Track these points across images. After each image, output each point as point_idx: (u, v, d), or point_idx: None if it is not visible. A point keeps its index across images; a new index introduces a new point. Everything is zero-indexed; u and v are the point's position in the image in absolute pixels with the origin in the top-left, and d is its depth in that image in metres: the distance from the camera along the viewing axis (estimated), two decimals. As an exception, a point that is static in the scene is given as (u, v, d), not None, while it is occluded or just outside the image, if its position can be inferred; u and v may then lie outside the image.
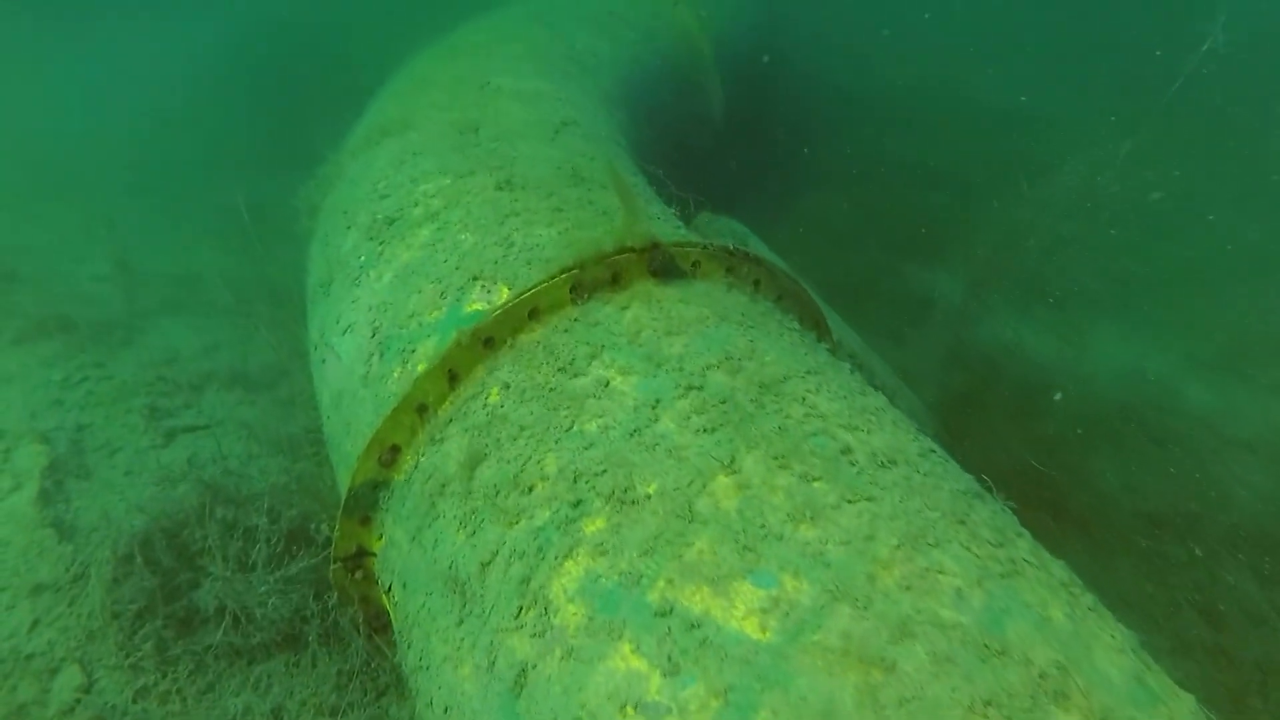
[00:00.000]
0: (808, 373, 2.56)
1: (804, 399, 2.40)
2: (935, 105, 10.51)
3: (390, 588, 2.65)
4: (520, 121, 4.06)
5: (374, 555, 2.77)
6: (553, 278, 2.68)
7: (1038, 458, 4.65)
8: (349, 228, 3.71)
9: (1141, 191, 5.89)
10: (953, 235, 7.77)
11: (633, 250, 2.78)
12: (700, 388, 2.38)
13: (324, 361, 3.42)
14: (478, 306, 2.84)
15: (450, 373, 2.64)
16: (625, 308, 2.70)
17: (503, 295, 2.84)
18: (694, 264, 2.93)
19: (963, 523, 2.11)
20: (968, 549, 2.03)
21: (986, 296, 6.82)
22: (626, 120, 5.40)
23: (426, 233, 3.31)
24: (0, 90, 10.28)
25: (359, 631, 2.74)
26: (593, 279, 2.74)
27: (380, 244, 3.42)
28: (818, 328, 3.39)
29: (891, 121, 9.98)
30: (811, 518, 2.01)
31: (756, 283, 3.09)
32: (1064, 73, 10.43)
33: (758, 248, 4.57)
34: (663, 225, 3.25)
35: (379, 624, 2.88)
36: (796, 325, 2.96)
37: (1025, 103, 10.15)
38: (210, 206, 7.54)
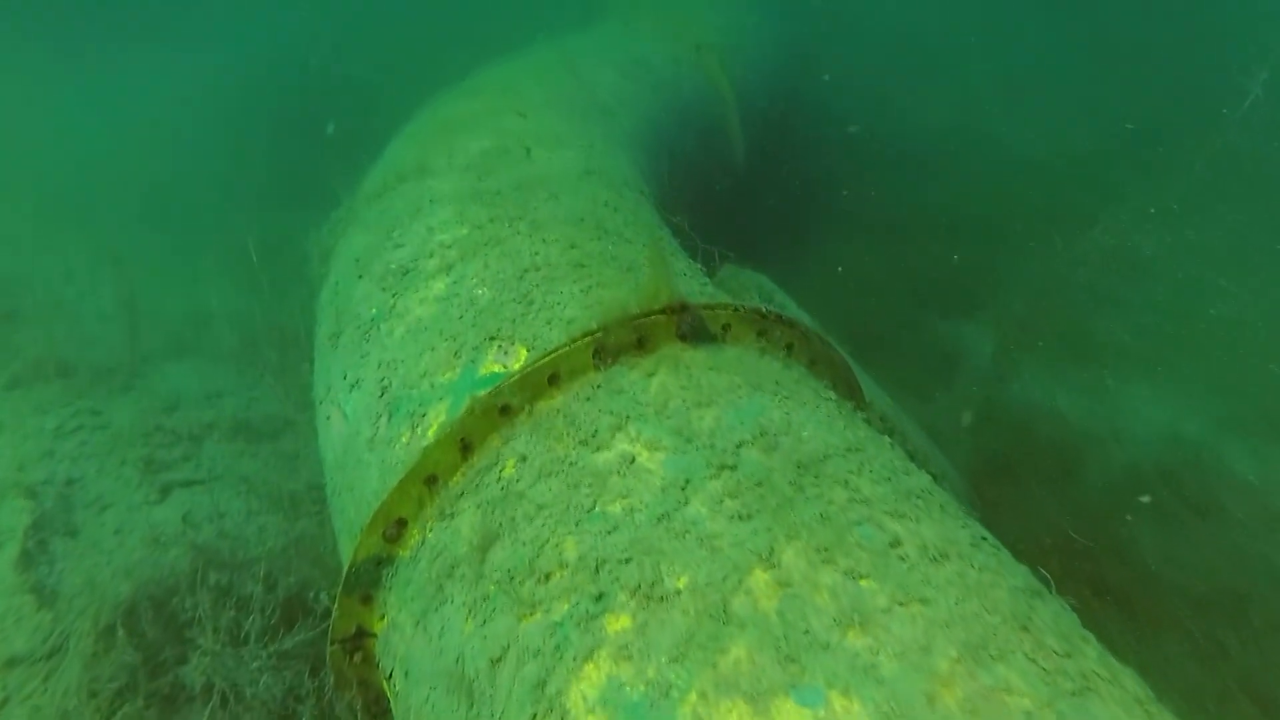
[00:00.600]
0: (849, 450, 2.37)
1: (846, 481, 2.20)
2: (963, 152, 10.36)
3: (391, 674, 2.44)
4: (542, 169, 3.91)
5: (375, 636, 2.57)
6: (574, 341, 2.50)
7: (1075, 527, 4.42)
8: (361, 276, 3.56)
9: (1177, 246, 5.70)
10: (981, 287, 7.59)
11: (660, 312, 2.60)
12: (734, 467, 2.19)
13: (329, 418, 3.25)
14: (494, 369, 2.66)
15: (463, 442, 2.45)
16: (652, 374, 2.52)
17: (521, 357, 2.66)
18: (724, 326, 2.75)
19: (1026, 629, 1.90)
20: (1034, 661, 1.82)
21: (1016, 353, 6.61)
22: (649, 167, 5.26)
23: (441, 286, 3.14)
24: (12, 116, 10.29)
25: (356, 719, 2.53)
26: (617, 343, 2.56)
27: (393, 295, 3.25)
28: (852, 394, 3.20)
29: (918, 168, 9.84)
30: (860, 623, 1.80)
31: (789, 346, 2.90)
32: (1100, 123, 10.30)
33: (785, 304, 4.39)
34: (690, 283, 3.07)
35: (378, 709, 2.67)
36: (832, 394, 2.76)
37: (1058, 152, 10.01)
38: (226, 239, 7.43)
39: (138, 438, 4.13)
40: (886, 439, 2.63)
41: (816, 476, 2.20)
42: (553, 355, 2.48)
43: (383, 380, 2.95)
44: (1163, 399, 6.13)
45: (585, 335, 2.51)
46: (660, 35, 7.30)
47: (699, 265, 4.08)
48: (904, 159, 10.02)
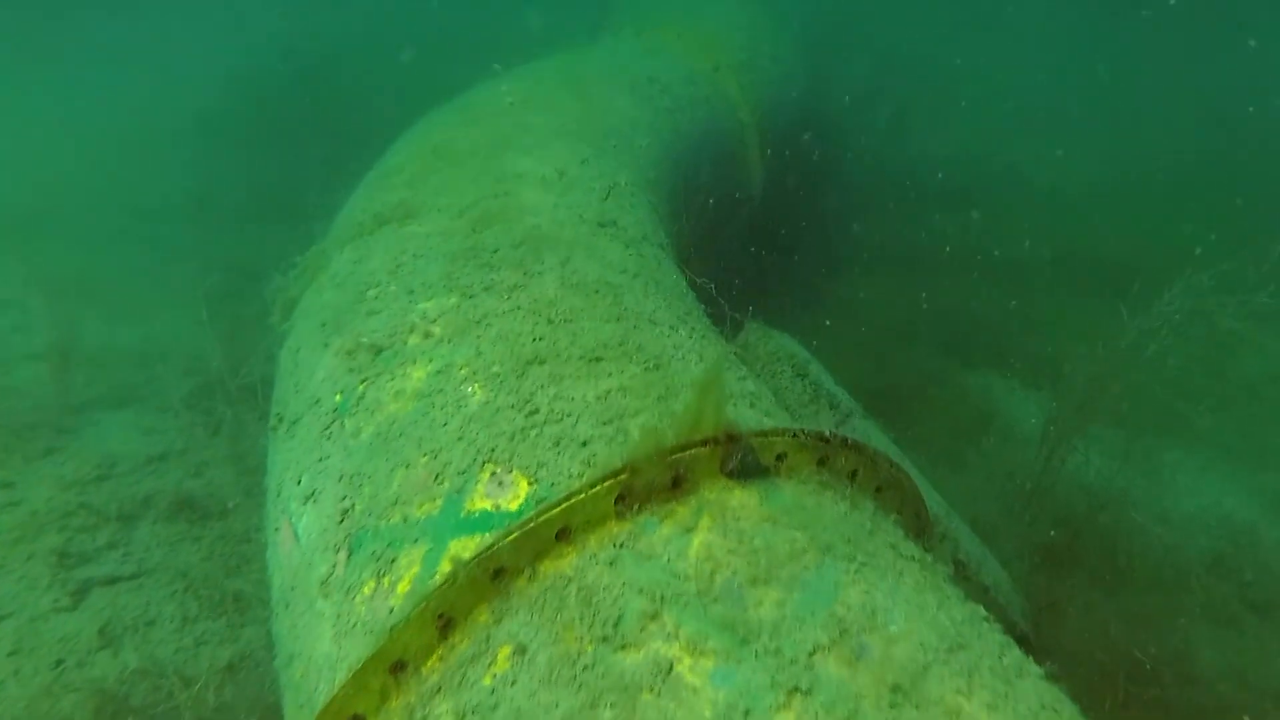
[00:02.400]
0: (950, 650, 1.81)
1: (959, 712, 1.64)
2: (993, 188, 9.81)
3: None
4: (547, 219, 3.33)
5: None
6: (593, 486, 1.92)
7: (1132, 634, 3.89)
8: (325, 346, 2.96)
9: (1223, 300, 5.18)
10: (1012, 337, 7.04)
11: (703, 444, 2.02)
12: (809, 691, 1.62)
13: (278, 530, 2.65)
14: (485, 505, 2.08)
15: (442, 618, 1.87)
16: (691, 529, 1.94)
17: (520, 492, 2.07)
18: (779, 456, 2.17)
19: None
20: None
21: (1052, 412, 6.06)
22: (666, 205, 4.69)
23: (422, 375, 2.55)
24: None
25: None
26: (647, 483, 1.97)
27: (362, 380, 2.66)
28: (921, 522, 2.63)
29: (944, 203, 9.29)
30: None
31: (853, 474, 2.33)
32: (1141, 164, 9.78)
33: (821, 379, 3.82)
34: (739, 394, 2.49)
35: None
36: (911, 545, 2.19)
37: (1095, 191, 9.48)
38: (196, 261, 6.82)
39: (54, 519, 3.51)
40: (984, 616, 2.08)
41: (918, 706, 1.63)
42: (564, 504, 1.89)
43: (344, 499, 2.36)
44: (1204, 467, 5.59)
45: (607, 477, 1.93)
46: (676, 52, 6.72)
47: (724, 330, 3.52)
48: (928, 191, 9.48)
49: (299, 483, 2.60)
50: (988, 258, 8.26)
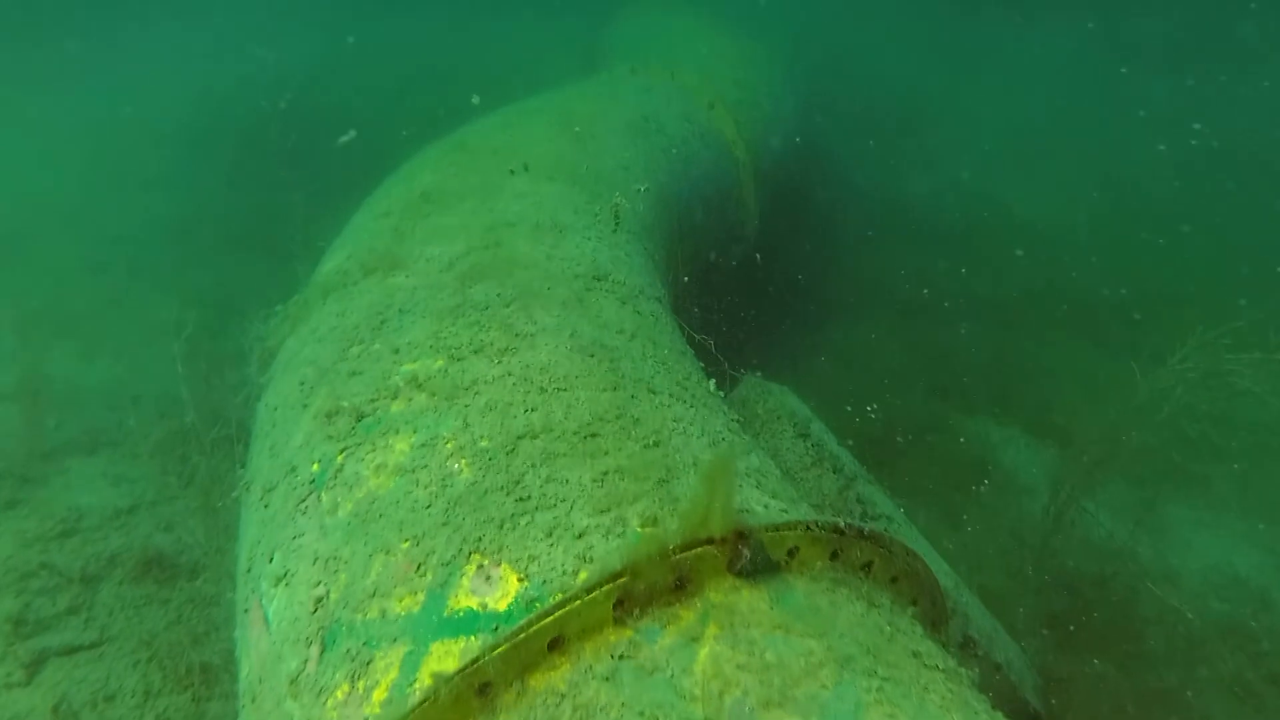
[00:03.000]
0: (981, 781, 1.65)
1: None
2: (983, 225, 9.73)
3: None
4: (540, 274, 3.17)
5: None
6: (590, 590, 1.75)
7: (1148, 714, 3.73)
8: (304, 407, 2.79)
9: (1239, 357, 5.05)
10: (1008, 382, 6.92)
11: (709, 541, 1.86)
12: (830, 840, 1.45)
13: (248, 611, 2.47)
14: (470, 603, 1.91)
15: (421, 737, 1.69)
16: (696, 639, 1.77)
17: (509, 589, 1.91)
18: (790, 550, 2.01)
19: None
20: None
21: (1051, 464, 5.95)
22: (660, 251, 4.55)
23: (406, 447, 2.38)
24: None
25: None
26: (648, 586, 1.81)
27: (342, 450, 2.49)
28: (935, 606, 2.47)
29: (939, 244, 9.19)
30: None
31: (868, 565, 2.17)
32: (1134, 201, 9.72)
33: (824, 439, 3.68)
34: (743, 472, 2.33)
35: None
36: (936, 656, 2.03)
37: (1100, 237, 9.39)
38: (171, 293, 6.61)
39: (12, 581, 3.30)
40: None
41: None
42: (559, 612, 1.73)
43: (318, 585, 2.18)
44: (1209, 523, 5.46)
45: (606, 580, 1.76)
46: (670, 89, 6.62)
47: (719, 388, 3.36)
48: (918, 231, 9.39)
49: (271, 560, 2.42)
50: (980, 299, 8.17)
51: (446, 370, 2.61)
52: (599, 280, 3.23)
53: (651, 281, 3.66)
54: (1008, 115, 12.08)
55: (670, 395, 2.61)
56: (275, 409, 2.98)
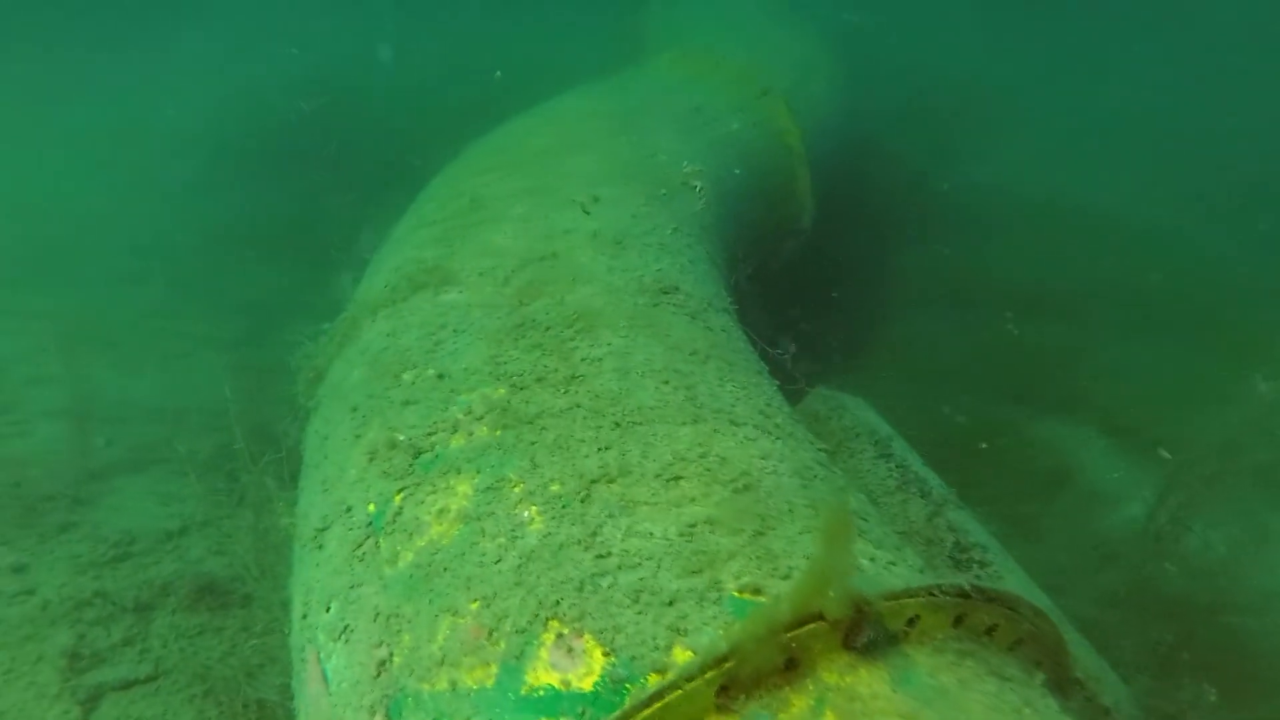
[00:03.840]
0: None
1: None
2: (1056, 217, 9.32)
3: None
4: (602, 288, 2.95)
5: None
6: (690, 678, 1.54)
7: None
8: (357, 438, 2.60)
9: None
10: (1079, 379, 6.60)
11: (823, 618, 1.64)
12: None
13: (305, 661, 2.29)
14: (550, 681, 1.71)
15: (502, 846, 1.49)
16: (812, 729, 1.55)
17: (594, 663, 1.70)
18: (911, 620, 1.78)
19: None
20: None
21: (1132, 470, 5.64)
22: (719, 253, 4.32)
23: (469, 489, 2.18)
24: None
25: None
26: (755, 668, 1.59)
27: (399, 489, 2.30)
28: (1060, 667, 2.23)
29: (1001, 233, 8.83)
30: None
31: (991, 629, 1.93)
32: (1200, 189, 9.23)
33: (905, 455, 3.43)
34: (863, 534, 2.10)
35: None
36: (1062, 713, 1.80)
37: (1171, 222, 8.97)
38: (225, 304, 6.48)
39: (66, 613, 3.17)
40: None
41: None
42: (657, 705, 1.51)
43: (380, 646, 1.99)
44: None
45: (708, 666, 1.54)
46: (719, 78, 6.36)
47: (783, 393, 3.13)
48: (976, 219, 9.03)
49: (328, 609, 2.23)
50: (1047, 292, 7.83)
51: (509, 401, 2.41)
52: (665, 293, 3.01)
53: (718, 290, 3.43)
54: (1071, 99, 11.58)
55: (754, 426, 2.38)
56: (326, 439, 2.80)
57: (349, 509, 2.40)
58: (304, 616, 2.37)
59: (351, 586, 2.19)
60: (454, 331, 2.81)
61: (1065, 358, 6.86)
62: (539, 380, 2.46)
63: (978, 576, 3.14)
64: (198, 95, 11.10)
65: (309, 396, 3.28)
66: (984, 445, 5.83)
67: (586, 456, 2.16)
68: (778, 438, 2.40)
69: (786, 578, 1.84)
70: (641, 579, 1.82)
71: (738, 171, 5.34)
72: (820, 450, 2.55)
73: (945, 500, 3.24)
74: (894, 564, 1.98)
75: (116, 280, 6.95)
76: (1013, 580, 3.19)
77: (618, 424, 2.26)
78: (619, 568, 1.85)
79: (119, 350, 5.54)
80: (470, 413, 2.41)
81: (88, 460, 4.20)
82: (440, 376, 2.61)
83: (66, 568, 3.43)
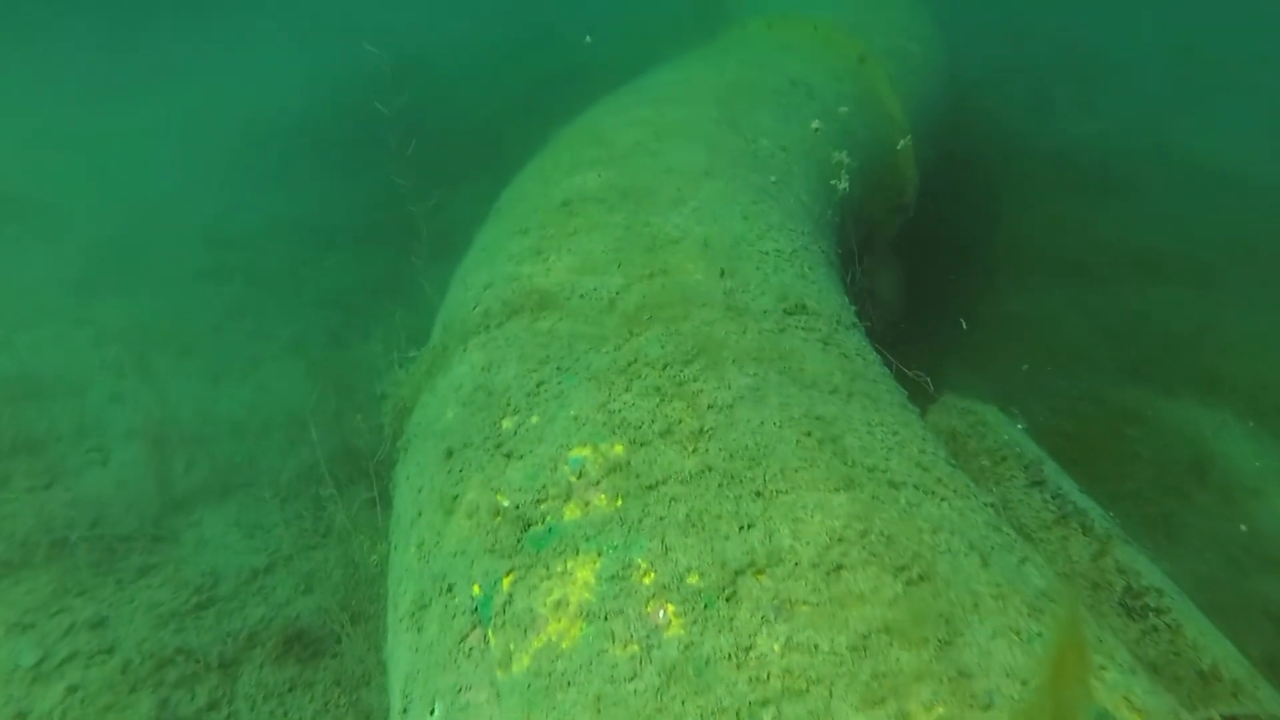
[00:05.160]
0: None
1: None
2: (1157, 173, 8.65)
3: None
4: (720, 312, 2.61)
5: None
6: None
7: None
8: (455, 499, 2.32)
9: None
10: (1210, 355, 6.05)
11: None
12: None
13: (407, 763, 2.04)
14: None
15: None
16: None
17: (764, 832, 1.39)
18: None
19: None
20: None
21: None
22: (831, 248, 3.93)
23: (589, 576, 1.89)
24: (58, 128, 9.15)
25: None
26: None
27: (509, 571, 2.01)
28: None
29: (1110, 195, 8.20)
30: None
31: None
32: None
33: (1059, 481, 3.03)
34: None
35: None
36: None
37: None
38: (306, 302, 6.30)
39: (149, 674, 2.99)
40: None
41: None
42: None
43: (496, 771, 1.71)
44: None
45: None
46: (814, 44, 5.90)
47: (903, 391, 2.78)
48: (1084, 182, 8.38)
49: (433, 712, 1.97)
50: (1167, 257, 7.21)
51: (629, 462, 2.09)
52: (791, 314, 2.66)
53: (842, 300, 3.05)
54: (1177, 50, 10.63)
55: (915, 486, 2.03)
56: (419, 490, 2.53)
57: (450, 587, 2.12)
58: (404, 710, 2.12)
59: (459, 690, 1.92)
60: (557, 369, 2.50)
61: (1195, 330, 6.29)
62: (663, 434, 2.14)
63: (1154, 626, 2.76)
64: (277, 89, 10.94)
65: (396, 428, 3.03)
66: (1112, 435, 5.36)
67: (727, 538, 1.84)
68: (943, 498, 2.05)
69: (987, 708, 1.50)
70: (812, 711, 1.50)
71: (840, 147, 4.93)
72: (989, 506, 2.19)
73: (1110, 535, 2.84)
74: (1130, 690, 1.62)
75: (195, 278, 6.84)
76: (1193, 629, 2.79)
77: (759, 493, 1.94)
78: (783, 694, 1.54)
79: (198, 356, 5.40)
80: (584, 475, 2.10)
81: (168, 490, 4.03)
82: (546, 425, 2.31)
83: (147, 619, 3.26)
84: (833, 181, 3.86)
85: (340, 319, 5.90)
